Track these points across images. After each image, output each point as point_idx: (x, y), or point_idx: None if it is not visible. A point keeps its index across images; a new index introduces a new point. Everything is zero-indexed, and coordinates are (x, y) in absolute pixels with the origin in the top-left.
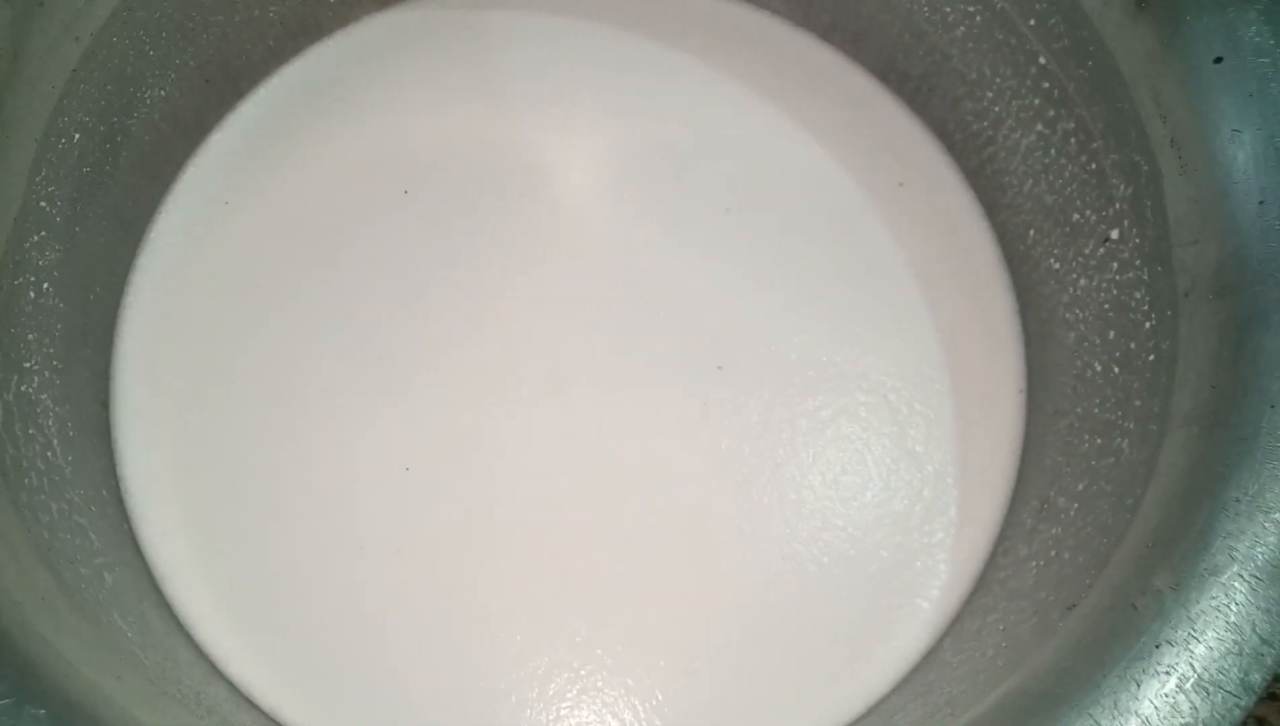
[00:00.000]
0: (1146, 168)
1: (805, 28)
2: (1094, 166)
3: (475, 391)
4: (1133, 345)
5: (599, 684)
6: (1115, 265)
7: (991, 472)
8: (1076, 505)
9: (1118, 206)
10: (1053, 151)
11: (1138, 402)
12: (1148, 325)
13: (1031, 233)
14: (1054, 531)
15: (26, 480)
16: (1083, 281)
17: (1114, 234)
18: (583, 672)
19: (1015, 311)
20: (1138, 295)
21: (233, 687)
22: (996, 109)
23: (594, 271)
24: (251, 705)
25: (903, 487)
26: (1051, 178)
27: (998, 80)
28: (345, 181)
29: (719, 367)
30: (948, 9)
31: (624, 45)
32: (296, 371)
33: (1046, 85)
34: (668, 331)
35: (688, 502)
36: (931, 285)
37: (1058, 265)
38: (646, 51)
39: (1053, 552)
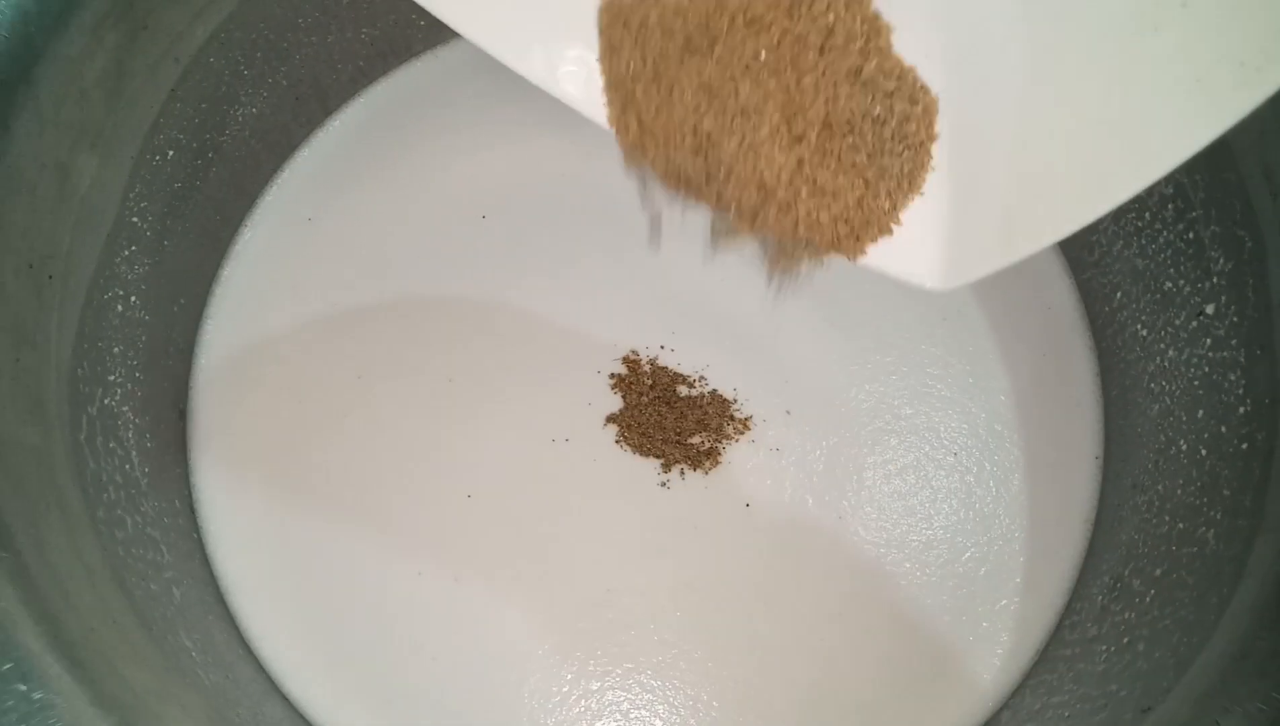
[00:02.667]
0: (1250, 244)
1: None
2: (1191, 236)
3: (543, 421)
4: (1224, 429)
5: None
6: (1208, 341)
7: (1062, 541)
8: (1153, 592)
9: (1215, 280)
10: (1147, 215)
11: (1226, 492)
12: (1241, 410)
13: (1119, 295)
14: (1127, 615)
15: (105, 495)
16: (1171, 353)
17: (1209, 308)
18: (642, 712)
19: (1096, 374)
20: (1231, 377)
21: (289, 704)
22: None
23: (667, 305)
24: (306, 724)
25: (969, 549)
26: (1144, 242)
27: None
28: (425, 203)
29: (787, 412)
30: None
31: None
32: (369, 389)
33: None
34: (737, 372)
35: (749, 549)
36: (1009, 341)
37: (1145, 332)
38: None
39: (1125, 639)
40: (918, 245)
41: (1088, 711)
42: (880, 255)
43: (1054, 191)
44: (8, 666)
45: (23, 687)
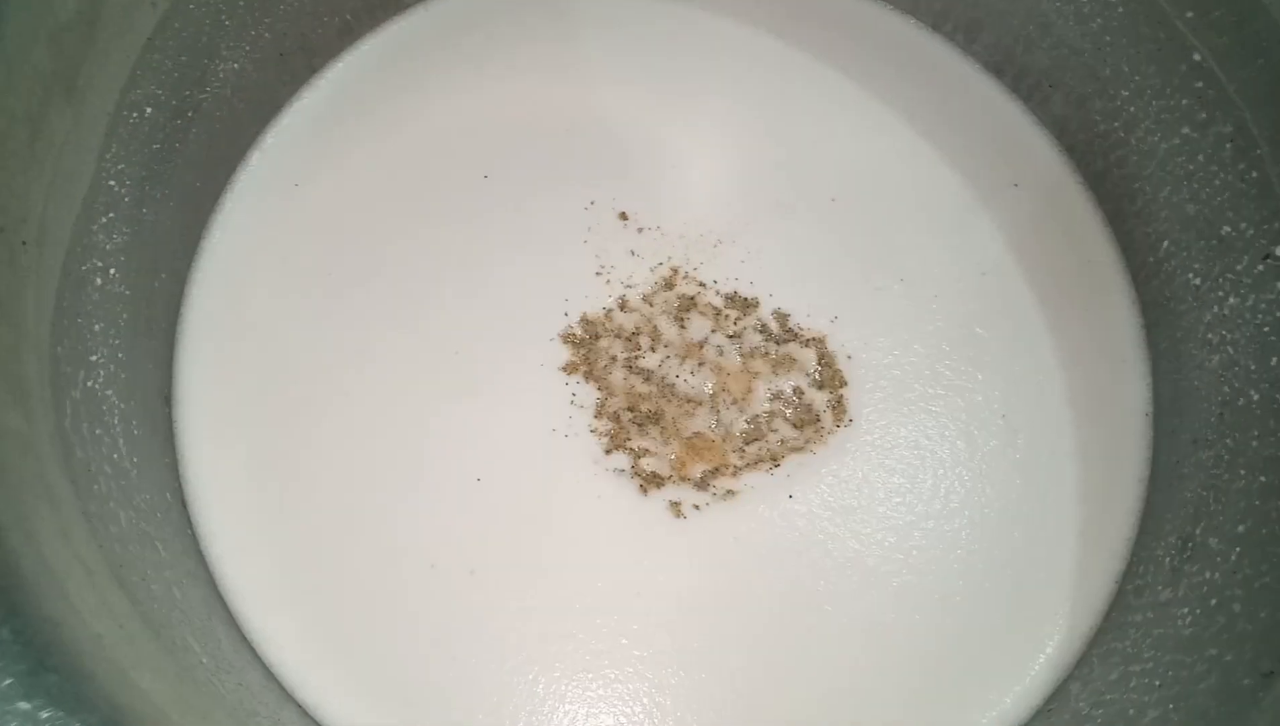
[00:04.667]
0: None
1: (914, 15)
2: (1255, 175)
3: (555, 395)
4: None
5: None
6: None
7: (1115, 502)
8: (1238, 549)
9: None
10: (1200, 157)
11: None
12: None
13: (1165, 244)
14: (1208, 576)
15: (95, 487)
16: (1232, 300)
17: (1278, 250)
18: (664, 702)
19: (1140, 327)
20: None
21: (303, 712)
22: (1132, 109)
23: (693, 263)
24: None
25: (1022, 516)
26: (1196, 186)
27: (1137, 78)
28: (422, 165)
29: (848, 357)
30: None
31: (716, 29)
32: (369, 367)
33: (1200, 84)
34: (773, 325)
35: (794, 513)
36: (1049, 294)
37: (1198, 281)
38: (744, 36)
39: (1212, 601)
40: None
41: (1188, 679)
42: None
43: None
44: (8, 682)
45: (26, 706)
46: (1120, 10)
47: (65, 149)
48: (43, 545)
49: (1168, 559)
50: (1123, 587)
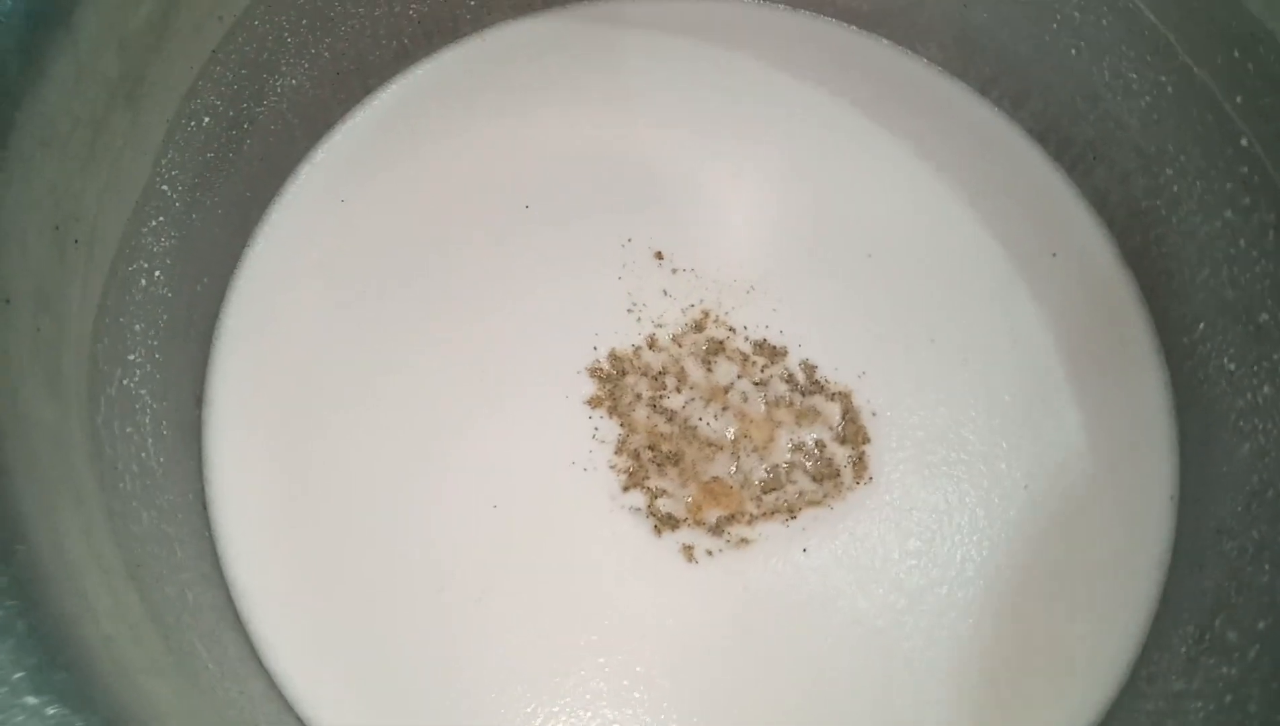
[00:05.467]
0: None
1: (963, 79)
2: None
3: (578, 428)
4: None
5: None
6: None
7: (1133, 584)
8: (1258, 647)
9: None
10: (1241, 242)
11: None
12: None
13: (1201, 326)
14: (1225, 671)
15: (120, 485)
16: (1267, 389)
17: None
18: None
19: (1170, 408)
20: None
21: (300, 723)
22: (1175, 188)
23: (724, 307)
24: None
25: (1037, 591)
26: (1236, 270)
27: (1182, 157)
28: (466, 190)
29: (873, 414)
30: (1133, 75)
31: (766, 77)
32: (396, 386)
33: (1245, 169)
34: (800, 375)
35: (807, 567)
36: (1079, 367)
37: (1233, 366)
38: (789, 85)
39: (1227, 697)
40: None
41: None
42: None
43: None
44: (18, 676)
45: (33, 700)
46: (1170, 90)
47: (123, 152)
48: (64, 541)
49: (1184, 648)
50: (1135, 673)
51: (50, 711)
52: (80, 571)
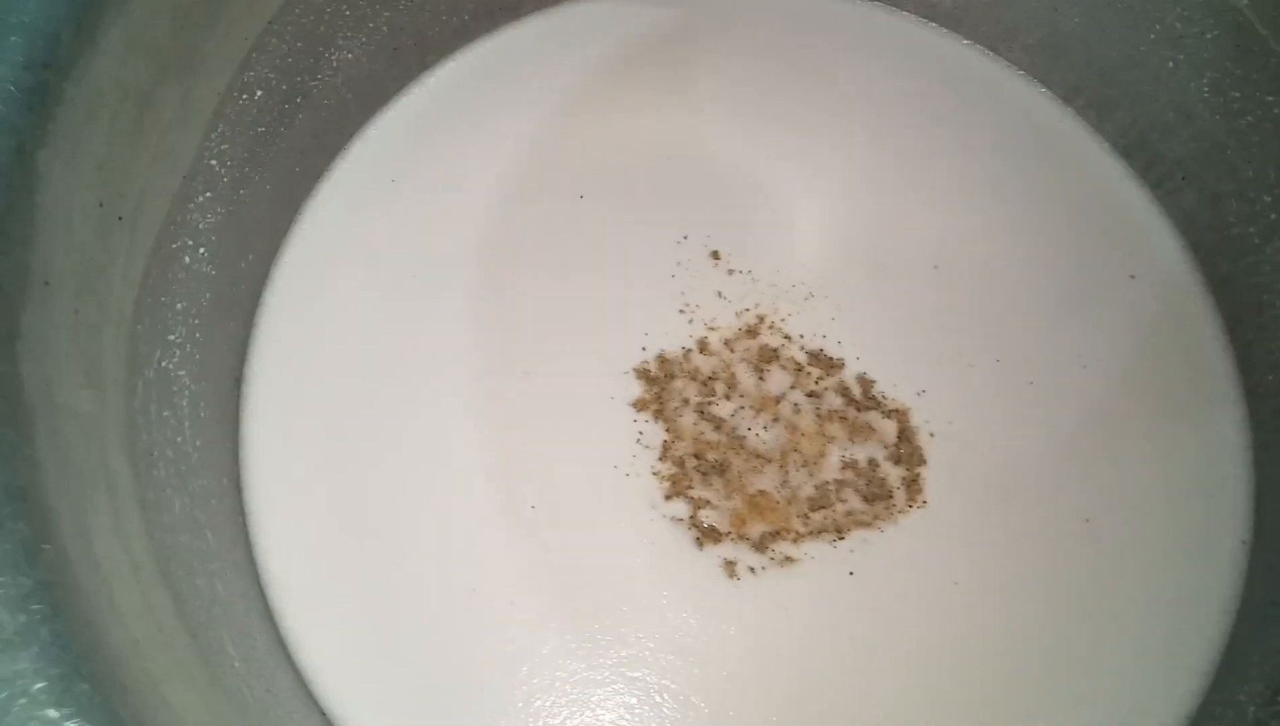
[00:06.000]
0: None
1: (1046, 85)
2: None
3: (622, 431)
4: None
5: None
6: None
7: (1198, 631)
8: None
9: None
10: None
11: None
12: None
13: None
14: None
15: (155, 473)
16: None
17: None
18: None
19: (1248, 449)
20: None
21: (326, 720)
22: (1272, 216)
23: (780, 313)
24: None
25: (1093, 630)
26: None
27: None
28: (518, 176)
29: (931, 434)
30: (1236, 93)
31: (838, 74)
32: (438, 375)
33: None
34: (856, 389)
35: (853, 591)
36: (1152, 398)
37: None
38: (861, 84)
39: None
40: None
41: None
42: None
43: None
44: (39, 686)
45: (55, 714)
46: (1276, 111)
47: (171, 126)
48: (94, 537)
49: (1251, 707)
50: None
51: None
52: (109, 570)
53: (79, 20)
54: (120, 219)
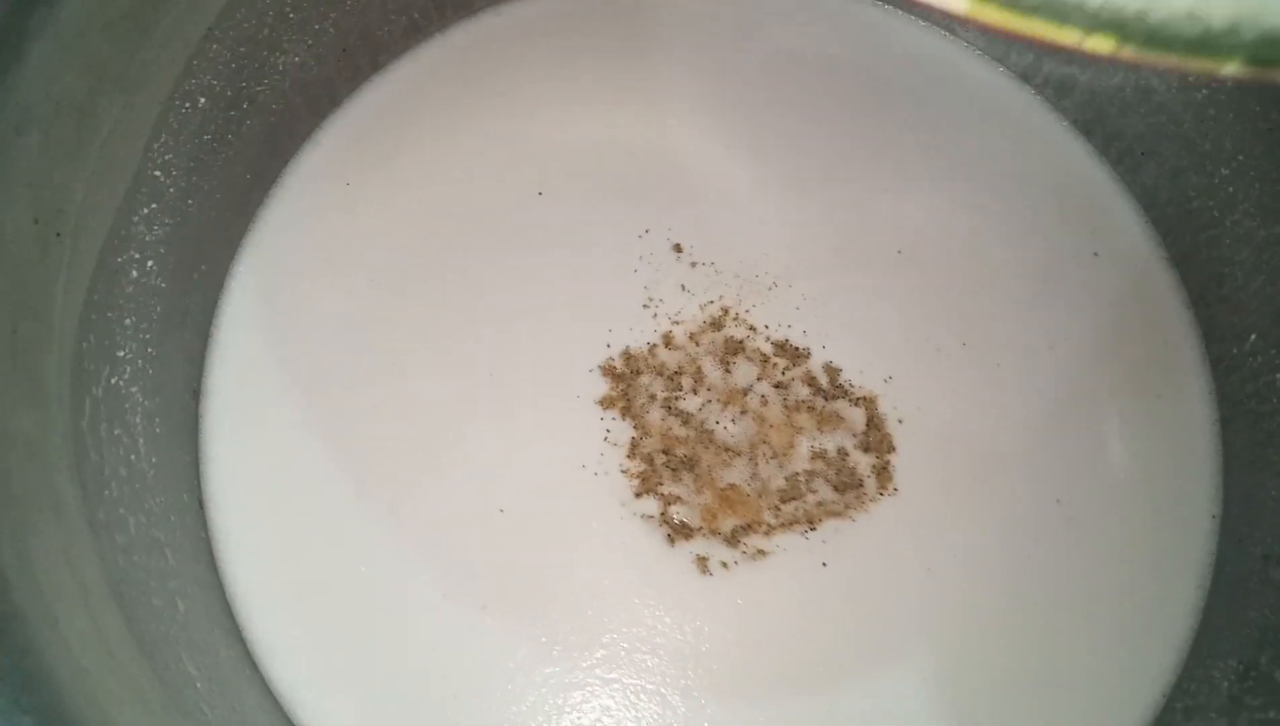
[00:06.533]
0: None
1: (1003, 64)
2: None
3: (589, 430)
4: None
5: None
6: None
7: (1171, 607)
8: None
9: None
10: None
11: None
12: None
13: (1253, 337)
14: (1272, 716)
15: (106, 492)
16: None
17: None
18: None
19: (1215, 422)
20: None
21: None
22: (1231, 189)
23: (745, 305)
24: None
25: (1067, 611)
26: None
27: (1240, 157)
28: (476, 175)
29: (899, 421)
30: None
31: (794, 62)
32: (402, 379)
33: None
34: (823, 379)
35: (825, 582)
36: (1120, 375)
37: None
38: (818, 70)
39: None
40: None
41: None
42: None
43: None
44: None
45: None
46: (1230, 83)
47: (111, 138)
48: (37, 563)
49: (1225, 683)
50: (1171, 704)
51: None
52: (52, 597)
53: (3, 33)
54: (59, 235)
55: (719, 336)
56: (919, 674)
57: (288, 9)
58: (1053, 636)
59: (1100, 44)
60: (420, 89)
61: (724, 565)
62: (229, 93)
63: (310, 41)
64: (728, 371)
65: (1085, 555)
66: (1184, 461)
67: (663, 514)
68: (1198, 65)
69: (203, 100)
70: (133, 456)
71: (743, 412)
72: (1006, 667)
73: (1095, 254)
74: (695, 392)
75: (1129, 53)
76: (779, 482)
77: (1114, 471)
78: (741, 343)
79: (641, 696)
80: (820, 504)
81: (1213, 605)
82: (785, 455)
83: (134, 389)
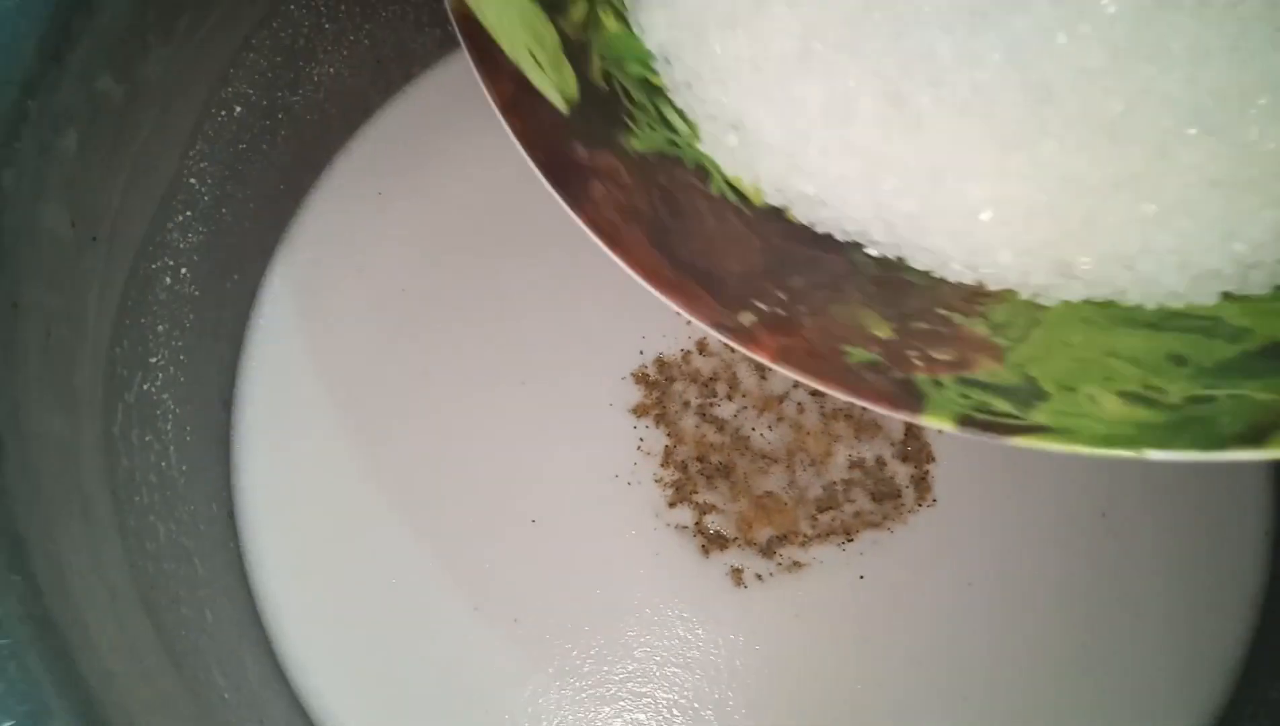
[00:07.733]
0: None
1: None
2: None
3: (622, 438)
4: None
5: None
6: None
7: (1222, 626)
8: None
9: None
10: None
11: None
12: None
13: None
14: None
15: (136, 499)
16: None
17: None
18: None
19: None
20: None
21: None
22: None
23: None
24: None
25: (1112, 629)
26: None
27: None
28: (508, 184)
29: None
30: None
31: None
32: (434, 388)
33: None
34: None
35: (862, 595)
36: None
37: None
38: None
39: None
40: None
41: None
42: None
43: None
44: (7, 725)
45: None
46: None
47: (149, 143)
48: (68, 567)
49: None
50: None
51: None
52: (84, 601)
53: (44, 34)
54: (95, 239)
55: None
56: (959, 691)
57: (324, 20)
58: (1097, 656)
59: None
60: (452, 99)
61: (759, 577)
62: (264, 102)
63: (345, 52)
64: (763, 378)
65: (1131, 570)
66: (1236, 474)
67: (697, 523)
68: None
69: (239, 109)
70: (164, 463)
71: (779, 420)
72: (1048, 686)
73: None
74: (730, 399)
75: None
76: (816, 491)
77: (1161, 485)
78: None
79: (674, 712)
80: (858, 514)
81: (1268, 624)
82: (823, 464)
83: (166, 396)
